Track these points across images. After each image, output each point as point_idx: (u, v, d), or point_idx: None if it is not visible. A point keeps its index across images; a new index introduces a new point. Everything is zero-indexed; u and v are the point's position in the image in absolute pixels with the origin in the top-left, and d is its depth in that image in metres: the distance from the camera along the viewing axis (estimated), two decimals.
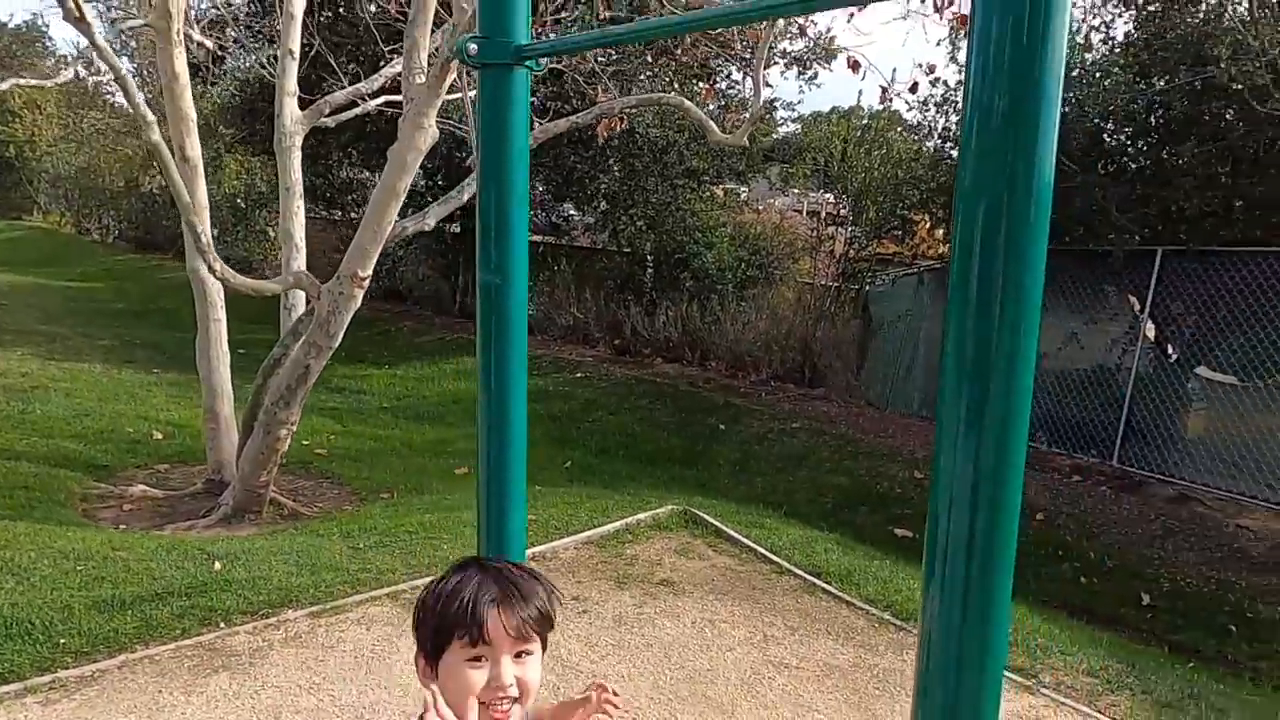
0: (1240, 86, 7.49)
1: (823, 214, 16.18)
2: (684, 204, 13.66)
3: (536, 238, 17.79)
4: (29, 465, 6.45)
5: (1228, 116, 7.96)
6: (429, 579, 4.21)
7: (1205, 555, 7.12)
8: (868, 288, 12.71)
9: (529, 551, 4.56)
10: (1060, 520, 7.78)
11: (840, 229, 12.98)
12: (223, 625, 3.75)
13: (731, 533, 4.99)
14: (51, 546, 4.53)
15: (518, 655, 1.30)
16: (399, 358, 13.20)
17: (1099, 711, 3.44)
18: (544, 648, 1.36)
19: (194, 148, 6.08)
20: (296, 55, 6.56)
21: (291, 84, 6.55)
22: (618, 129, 5.83)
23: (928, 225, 11.87)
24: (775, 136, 14.57)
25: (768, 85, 12.61)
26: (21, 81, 6.29)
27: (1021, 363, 1.08)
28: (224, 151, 17.27)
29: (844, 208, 13.00)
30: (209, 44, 7.58)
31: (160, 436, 7.80)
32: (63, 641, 3.50)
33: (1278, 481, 7.43)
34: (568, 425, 10.20)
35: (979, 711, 1.12)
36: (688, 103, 5.62)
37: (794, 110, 14.68)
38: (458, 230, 16.54)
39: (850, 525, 7.43)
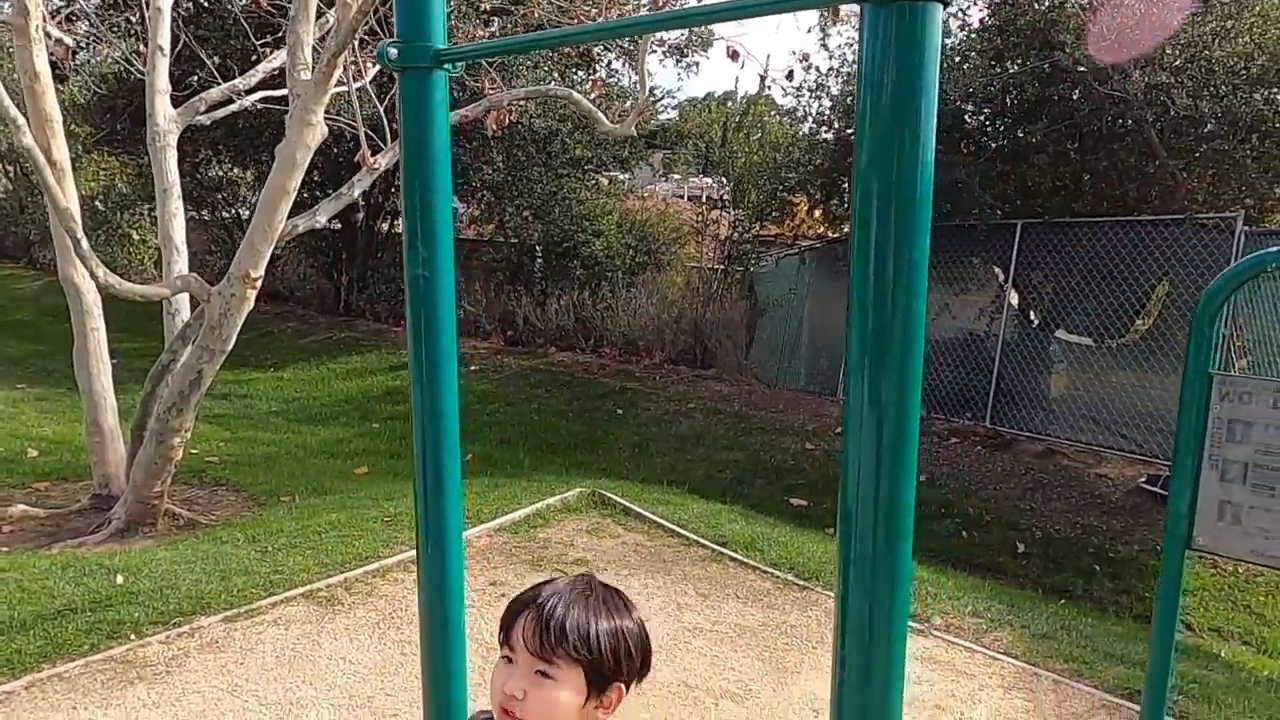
0: (1084, 69, 8.10)
1: (704, 198, 16.53)
2: (569, 193, 13.73)
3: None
4: None
5: (1074, 97, 8.57)
6: (347, 574, 4.19)
7: (1070, 504, 7.72)
8: (752, 269, 13.11)
9: None
10: (941, 480, 8.28)
11: (723, 213, 13.32)
12: (133, 637, 3.69)
13: (639, 510, 5.16)
14: None
15: (540, 673, 1.21)
16: (284, 360, 12.86)
17: (984, 647, 3.77)
18: (594, 685, 1.23)
19: (60, 150, 5.80)
20: (167, 51, 6.34)
21: (163, 81, 6.33)
22: (506, 121, 5.88)
23: (807, 206, 12.31)
24: (656, 124, 14.81)
25: (649, 74, 12.83)
26: None
27: (915, 326, 1.25)
28: (83, 152, 16.33)
29: (725, 192, 13.34)
30: (68, 40, 7.22)
31: (35, 454, 7.43)
32: None
33: (1129, 431, 8.10)
34: (466, 419, 10.10)
35: (891, 654, 1.31)
36: (576, 94, 5.72)
37: (673, 97, 14.87)
38: (339, 227, 16.16)
39: (748, 498, 7.72)
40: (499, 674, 1.24)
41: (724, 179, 13.33)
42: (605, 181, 14.53)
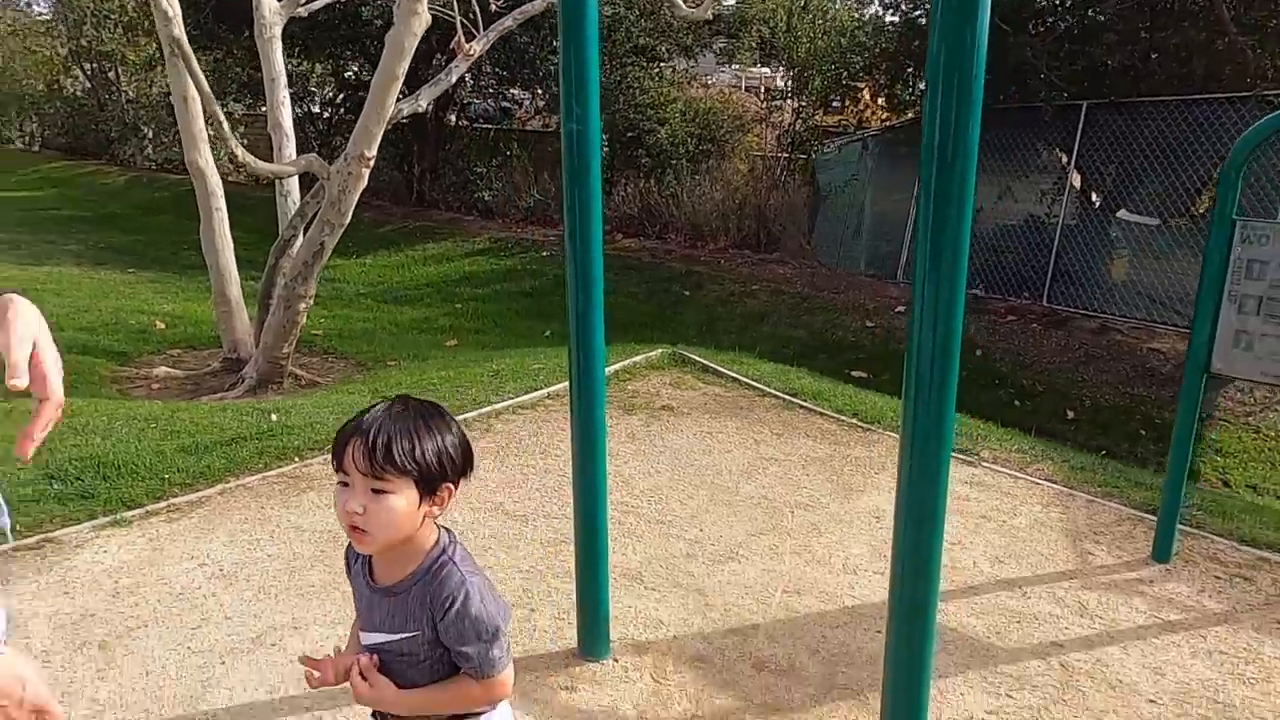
0: None
1: (762, 88, 16.51)
2: (633, 82, 13.92)
3: (485, 125, 17.89)
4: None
5: None
6: (465, 415, 4.87)
7: (1121, 375, 8.10)
8: (815, 156, 13.29)
9: (545, 391, 5.24)
10: (996, 355, 8.69)
11: (787, 100, 13.43)
12: (297, 459, 4.38)
13: (717, 368, 5.71)
14: (117, 413, 5.08)
15: (374, 490, 1.33)
16: (365, 248, 13.52)
17: (1026, 475, 4.29)
18: (424, 491, 1.37)
19: (184, 41, 6.32)
20: None
21: None
22: None
23: (870, 93, 12.39)
24: (719, 8, 14.79)
25: None
26: None
27: (967, 191, 1.72)
28: (157, 50, 16.81)
29: (788, 79, 13.42)
30: None
31: (163, 326, 8.22)
32: (166, 476, 4.10)
33: (1184, 308, 8.37)
34: (542, 300, 10.79)
35: (938, 471, 1.84)
36: None
37: None
38: (406, 120, 16.57)
39: (812, 369, 8.24)
40: (339, 497, 1.36)
41: (787, 66, 13.39)
42: (670, 70, 14.65)
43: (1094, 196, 9.80)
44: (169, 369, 6.96)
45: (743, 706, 2.64)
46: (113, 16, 21.11)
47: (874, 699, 2.60)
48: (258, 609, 3.12)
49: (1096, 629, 3.04)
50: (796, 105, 13.11)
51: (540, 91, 15.59)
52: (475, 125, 17.66)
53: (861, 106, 12.68)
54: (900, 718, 2.06)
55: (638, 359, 5.85)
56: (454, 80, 6.23)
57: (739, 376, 5.59)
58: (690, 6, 6.14)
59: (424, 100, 6.10)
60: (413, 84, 7.45)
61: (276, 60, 6.85)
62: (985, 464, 4.40)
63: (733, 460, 4.40)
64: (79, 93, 25.66)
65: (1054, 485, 4.18)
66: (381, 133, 5.61)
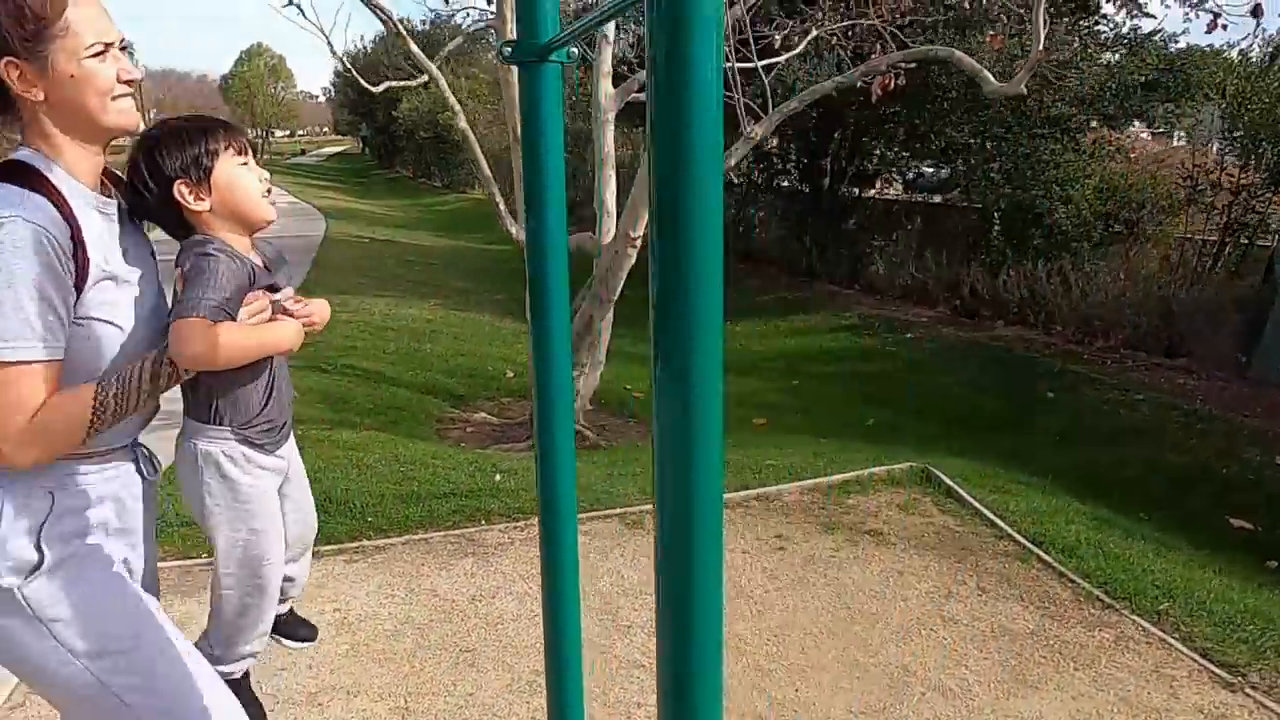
0: None
1: (1188, 160, 13.90)
2: (1046, 155, 12.65)
3: (891, 195, 17.54)
4: (406, 391, 8.08)
5: None
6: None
7: None
8: (1273, 244, 10.89)
9: (755, 491, 4.92)
10: None
11: (1223, 173, 11.21)
12: (483, 523, 4.62)
13: (963, 494, 4.90)
14: (393, 452, 5.79)
15: None
16: (739, 316, 13.86)
17: None
18: None
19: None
20: (610, 39, 7.32)
21: (606, 65, 7.33)
22: (892, 85, 5.80)
23: None
24: (1031, 84, 12.83)
25: (1148, 15, 11.24)
26: (392, 83, 7.80)
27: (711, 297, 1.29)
28: None
29: (1232, 148, 11.19)
30: None
31: (511, 375, 9.21)
32: (370, 520, 4.57)
33: None
34: (883, 384, 10.18)
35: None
36: (957, 53, 5.41)
37: (1177, 41, 12.73)
38: (807, 191, 16.82)
39: (1179, 509, 6.74)
40: (249, 177, 1.60)
41: (1228, 133, 11.19)
42: (1089, 141, 13.08)
43: None
44: (487, 415, 7.77)
45: None
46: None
47: None
48: (335, 665, 3.33)
49: None
50: (1240, 180, 10.87)
51: (950, 166, 14.85)
52: (878, 199, 17.36)
53: None
54: None
55: (877, 470, 5.24)
56: (733, 162, 6.18)
57: (984, 509, 4.72)
58: (1000, 82, 5.42)
59: None
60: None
61: (607, 142, 7.35)
62: (1249, 690, 3.20)
63: (901, 612, 3.73)
64: None
65: None
66: (646, 215, 5.75)
